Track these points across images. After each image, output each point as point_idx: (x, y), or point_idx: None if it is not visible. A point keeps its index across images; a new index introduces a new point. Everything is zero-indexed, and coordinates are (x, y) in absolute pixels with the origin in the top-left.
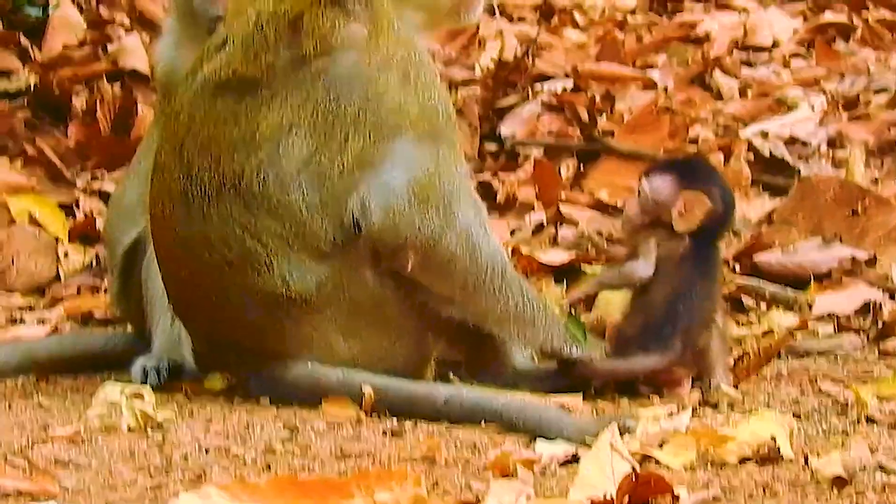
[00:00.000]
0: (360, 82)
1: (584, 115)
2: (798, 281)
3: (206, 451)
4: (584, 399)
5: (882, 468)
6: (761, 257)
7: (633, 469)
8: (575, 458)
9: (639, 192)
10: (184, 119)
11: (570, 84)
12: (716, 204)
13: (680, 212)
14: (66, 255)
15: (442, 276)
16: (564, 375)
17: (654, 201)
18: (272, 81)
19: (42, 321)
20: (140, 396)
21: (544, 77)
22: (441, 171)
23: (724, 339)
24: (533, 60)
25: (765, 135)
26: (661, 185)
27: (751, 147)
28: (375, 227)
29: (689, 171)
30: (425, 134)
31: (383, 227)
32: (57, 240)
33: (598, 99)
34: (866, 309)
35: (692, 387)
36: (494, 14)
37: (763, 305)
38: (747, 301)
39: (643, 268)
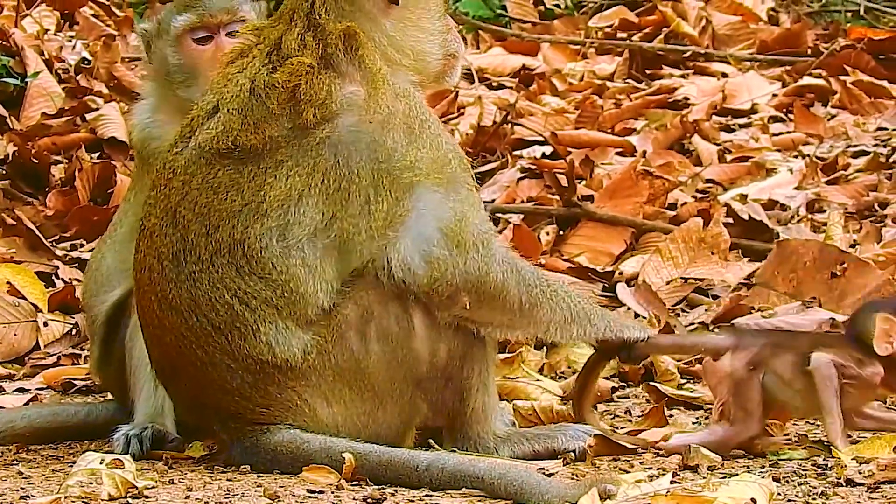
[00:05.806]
0: (365, 143)
1: (564, 181)
2: None
3: None
4: (564, 464)
5: None
6: (741, 321)
7: None
8: None
9: None
10: (178, 184)
11: (549, 150)
12: None
13: None
14: (45, 324)
15: (499, 305)
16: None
17: None
18: (275, 151)
19: (22, 390)
20: (121, 464)
21: (523, 143)
22: (467, 211)
23: None
24: (512, 126)
25: (743, 199)
26: None
27: (729, 211)
28: (424, 280)
29: None
30: (443, 181)
31: (431, 278)
32: (36, 309)
33: (577, 164)
34: None
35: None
36: (473, 81)
37: None
38: None
39: None
